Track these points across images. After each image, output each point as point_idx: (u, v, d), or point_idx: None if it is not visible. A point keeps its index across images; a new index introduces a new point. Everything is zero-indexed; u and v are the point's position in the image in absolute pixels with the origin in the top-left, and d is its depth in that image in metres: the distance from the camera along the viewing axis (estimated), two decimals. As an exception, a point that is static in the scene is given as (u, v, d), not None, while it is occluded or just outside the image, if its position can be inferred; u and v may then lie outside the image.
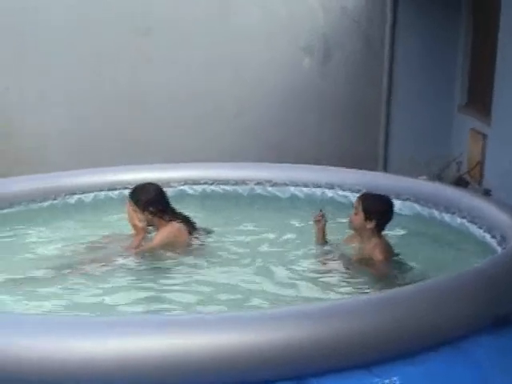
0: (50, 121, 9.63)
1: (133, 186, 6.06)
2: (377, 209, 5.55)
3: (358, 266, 5.52)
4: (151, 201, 5.85)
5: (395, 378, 3.54)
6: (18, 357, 3.42)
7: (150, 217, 5.85)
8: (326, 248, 5.92)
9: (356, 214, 5.57)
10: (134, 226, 5.88)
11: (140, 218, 5.83)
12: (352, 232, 5.83)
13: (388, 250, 5.58)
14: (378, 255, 5.45)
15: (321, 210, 5.99)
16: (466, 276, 4.28)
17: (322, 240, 5.96)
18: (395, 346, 3.70)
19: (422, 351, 3.70)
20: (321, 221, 5.93)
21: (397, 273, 5.43)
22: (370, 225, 5.52)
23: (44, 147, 9.57)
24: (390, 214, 5.64)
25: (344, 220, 5.98)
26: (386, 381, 3.55)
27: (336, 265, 5.59)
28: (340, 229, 6.10)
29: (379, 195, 5.71)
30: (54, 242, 6.24)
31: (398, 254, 5.67)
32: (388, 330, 3.70)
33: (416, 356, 3.67)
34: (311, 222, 6.06)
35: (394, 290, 4.21)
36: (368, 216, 5.51)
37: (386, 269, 5.45)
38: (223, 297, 4.95)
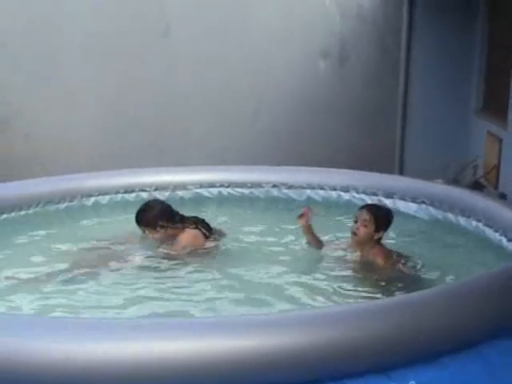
0: (68, 123, 9.65)
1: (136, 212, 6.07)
2: (386, 219, 5.58)
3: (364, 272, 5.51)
4: (157, 216, 5.92)
5: (412, 382, 3.54)
6: (31, 359, 3.44)
7: (163, 231, 5.93)
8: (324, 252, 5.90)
9: (366, 226, 5.51)
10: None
11: (155, 237, 5.94)
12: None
13: (389, 255, 5.55)
14: (380, 261, 5.45)
15: (309, 207, 5.95)
16: (484, 279, 4.28)
17: (314, 240, 5.91)
18: (412, 350, 3.70)
19: (440, 355, 3.70)
20: (304, 217, 5.83)
21: (401, 276, 5.40)
22: (378, 235, 5.53)
23: (63, 149, 9.60)
24: (391, 223, 5.65)
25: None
26: (403, 384, 3.55)
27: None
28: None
29: (382, 205, 5.82)
30: (71, 243, 6.24)
31: (408, 257, 5.67)
32: (405, 333, 3.70)
33: (433, 360, 3.67)
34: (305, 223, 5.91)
35: (411, 293, 4.20)
36: (378, 227, 5.50)
37: (390, 273, 5.42)
38: (238, 299, 4.96)
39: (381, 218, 5.54)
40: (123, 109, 9.68)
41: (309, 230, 5.89)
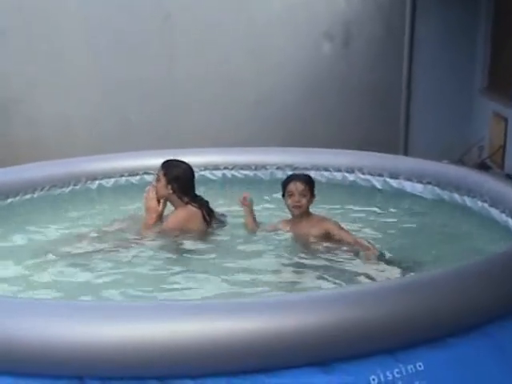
0: (73, 107, 9.65)
1: (168, 159, 6.08)
2: (313, 184, 5.74)
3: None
4: (179, 178, 5.87)
5: (420, 364, 3.53)
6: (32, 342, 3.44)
7: (170, 192, 5.87)
8: (260, 233, 5.94)
9: (305, 195, 5.65)
10: (148, 206, 5.92)
11: (159, 189, 5.88)
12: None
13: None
14: (332, 228, 5.58)
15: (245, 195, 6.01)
16: (492, 260, 4.26)
17: (253, 224, 5.98)
18: (420, 332, 3.68)
19: (447, 337, 3.69)
20: (247, 203, 5.98)
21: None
22: (312, 202, 5.70)
23: (67, 133, 9.60)
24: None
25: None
26: (410, 366, 3.53)
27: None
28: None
29: (302, 173, 6.03)
30: (74, 226, 6.27)
31: None
32: (412, 315, 3.68)
33: (441, 342, 3.65)
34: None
35: (418, 274, 4.19)
36: (312, 194, 5.68)
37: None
38: (232, 284, 4.91)
39: (312, 184, 5.72)
40: (125, 94, 9.68)
41: (250, 213, 6.01)
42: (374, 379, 3.46)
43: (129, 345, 3.40)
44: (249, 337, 3.43)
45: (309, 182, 5.69)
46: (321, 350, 3.51)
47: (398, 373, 3.49)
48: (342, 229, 5.60)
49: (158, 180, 5.92)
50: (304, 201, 5.64)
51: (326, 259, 5.31)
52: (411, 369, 3.52)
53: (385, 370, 3.49)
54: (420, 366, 3.53)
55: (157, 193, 5.92)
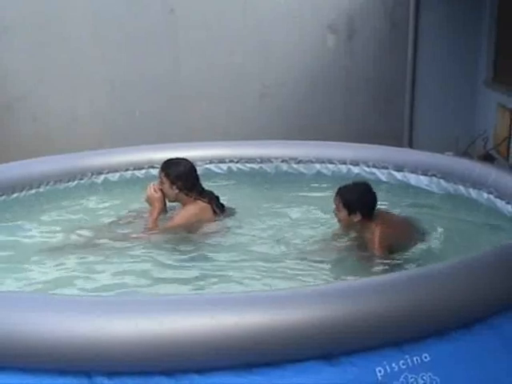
0: (78, 102, 9.67)
1: (166, 159, 6.07)
2: (356, 199, 5.39)
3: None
4: (181, 175, 5.87)
5: (426, 355, 3.54)
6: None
7: (177, 191, 5.88)
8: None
9: (339, 211, 5.45)
10: (149, 199, 5.93)
11: (166, 192, 5.87)
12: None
13: (387, 236, 5.34)
14: (375, 246, 5.28)
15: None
16: (498, 252, 4.25)
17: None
18: (426, 323, 3.69)
19: (453, 329, 3.69)
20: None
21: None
22: (357, 218, 5.38)
23: (73, 128, 9.62)
24: (371, 199, 5.46)
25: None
26: (416, 357, 3.54)
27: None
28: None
29: (354, 184, 5.55)
30: (79, 221, 6.29)
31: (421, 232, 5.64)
32: (418, 307, 3.69)
33: (447, 334, 3.65)
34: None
35: (424, 267, 4.19)
36: (351, 210, 5.38)
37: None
38: (243, 278, 4.93)
39: (350, 201, 5.39)
40: (131, 89, 9.69)
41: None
42: (380, 371, 3.46)
43: (136, 340, 3.41)
44: (255, 330, 3.44)
45: (345, 199, 5.39)
46: (327, 343, 3.52)
47: (403, 364, 3.50)
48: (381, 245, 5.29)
49: (161, 183, 5.91)
50: (338, 215, 5.49)
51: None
52: (417, 360, 3.53)
53: (391, 361, 3.50)
54: (426, 358, 3.54)
55: (166, 197, 5.93)
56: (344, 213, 5.41)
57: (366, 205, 5.41)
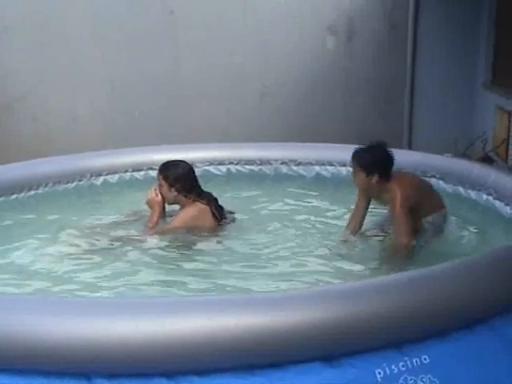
0: (78, 103, 9.67)
1: (164, 162, 6.06)
2: (375, 161, 5.37)
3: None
4: (180, 177, 5.86)
5: (425, 356, 3.54)
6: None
7: (175, 194, 5.87)
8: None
9: (357, 175, 5.44)
10: (150, 202, 5.92)
11: (164, 194, 5.87)
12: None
13: (408, 196, 5.31)
14: (396, 206, 5.25)
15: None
16: (498, 253, 4.26)
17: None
18: (425, 325, 3.69)
19: (453, 330, 3.69)
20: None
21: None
22: (375, 179, 5.36)
23: (72, 129, 9.63)
24: (387, 158, 5.45)
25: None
26: (416, 359, 3.54)
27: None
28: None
29: (369, 146, 5.52)
30: (79, 222, 6.29)
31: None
32: (418, 308, 3.69)
33: (446, 335, 3.65)
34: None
35: (424, 268, 4.18)
36: (369, 171, 5.35)
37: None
38: (242, 280, 4.94)
39: (366, 162, 5.37)
40: (130, 90, 9.69)
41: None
42: (379, 372, 3.46)
43: (136, 341, 3.41)
44: (255, 332, 3.44)
45: (360, 162, 5.39)
46: (327, 345, 3.52)
47: (403, 366, 3.50)
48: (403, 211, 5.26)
49: (160, 186, 5.91)
50: (356, 180, 5.47)
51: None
52: (416, 362, 3.53)
53: (390, 363, 3.50)
54: (425, 359, 3.54)
55: (165, 199, 5.93)
56: (362, 175, 5.40)
57: (382, 165, 5.40)
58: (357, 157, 5.46)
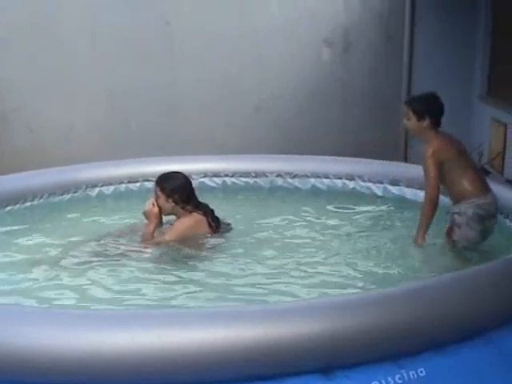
0: (74, 114, 9.66)
1: (161, 173, 6.07)
2: (424, 105, 5.62)
3: None
4: (177, 189, 5.88)
5: (421, 369, 3.52)
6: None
7: (172, 205, 5.88)
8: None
9: (408, 119, 5.67)
10: (146, 214, 5.91)
11: (162, 206, 5.87)
12: None
13: (442, 150, 5.57)
14: (427, 152, 5.53)
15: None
16: (495, 266, 4.25)
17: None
18: (422, 338, 3.68)
19: (450, 343, 3.68)
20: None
21: None
22: (426, 123, 5.58)
23: (68, 140, 9.61)
24: (439, 105, 5.69)
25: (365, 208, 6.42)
26: (412, 372, 3.53)
27: None
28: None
29: (421, 94, 5.83)
30: (73, 234, 6.23)
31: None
32: (414, 321, 3.68)
33: (443, 348, 3.64)
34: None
35: (421, 281, 4.18)
36: (419, 116, 5.58)
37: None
38: (239, 291, 4.93)
39: (417, 106, 5.61)
40: (127, 101, 9.68)
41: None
42: (375, 385, 3.46)
43: (132, 353, 3.40)
44: (251, 344, 3.43)
45: (411, 106, 5.66)
46: (323, 357, 3.51)
47: (399, 378, 3.49)
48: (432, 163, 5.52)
49: (157, 197, 5.92)
50: (408, 124, 5.72)
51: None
52: (413, 375, 3.52)
53: (386, 375, 3.50)
54: (422, 372, 3.53)
55: (162, 210, 5.92)
56: (413, 119, 5.62)
57: (434, 110, 5.64)
58: (410, 101, 5.78)
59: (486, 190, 5.61)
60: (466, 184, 5.54)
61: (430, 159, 5.49)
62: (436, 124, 5.62)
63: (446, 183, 5.61)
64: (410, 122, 5.65)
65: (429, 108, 5.61)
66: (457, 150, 5.66)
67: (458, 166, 5.57)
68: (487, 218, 5.54)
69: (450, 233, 5.61)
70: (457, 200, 5.60)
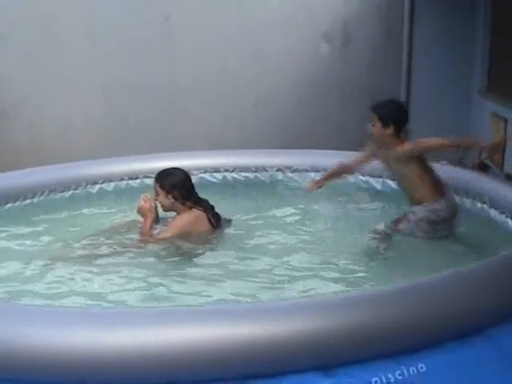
0: (73, 110, 9.66)
1: (160, 170, 6.07)
2: (390, 113, 5.80)
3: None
4: (176, 185, 5.88)
5: (422, 365, 3.54)
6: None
7: (172, 201, 5.88)
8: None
9: (373, 125, 5.80)
10: (140, 210, 5.93)
11: (162, 202, 5.88)
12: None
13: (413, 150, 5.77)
14: (404, 147, 5.75)
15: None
16: (493, 263, 4.26)
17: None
18: (422, 334, 3.69)
19: (449, 340, 3.69)
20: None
21: None
22: (390, 130, 5.75)
23: (67, 136, 9.61)
24: (403, 114, 5.96)
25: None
26: (412, 368, 3.54)
27: None
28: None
29: (388, 100, 6.04)
30: (74, 231, 6.27)
31: None
32: (414, 318, 3.69)
33: (443, 345, 3.66)
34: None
35: (420, 278, 4.19)
36: (385, 123, 5.75)
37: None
38: (239, 288, 4.94)
39: (383, 113, 5.78)
40: (126, 97, 9.67)
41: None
42: (376, 381, 3.47)
43: (132, 351, 3.42)
44: (251, 342, 3.44)
45: (378, 112, 5.81)
46: (323, 354, 3.52)
47: (399, 375, 3.51)
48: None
49: (157, 194, 5.92)
50: (373, 129, 5.84)
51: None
52: (413, 370, 3.53)
53: (386, 372, 3.50)
54: (422, 368, 3.54)
55: (162, 206, 5.94)
56: (378, 125, 5.78)
57: (398, 117, 5.86)
58: (377, 108, 5.88)
59: (443, 194, 5.83)
60: (424, 189, 5.79)
61: (413, 147, 5.75)
62: (399, 131, 5.82)
63: (406, 185, 5.89)
64: (375, 128, 5.81)
65: (394, 115, 5.82)
66: (420, 154, 5.86)
67: (419, 170, 5.79)
68: (440, 223, 5.79)
69: (398, 222, 5.85)
70: (415, 202, 5.84)
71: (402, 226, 5.80)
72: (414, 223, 5.75)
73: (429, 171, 5.84)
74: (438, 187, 5.84)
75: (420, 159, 5.81)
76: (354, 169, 6.60)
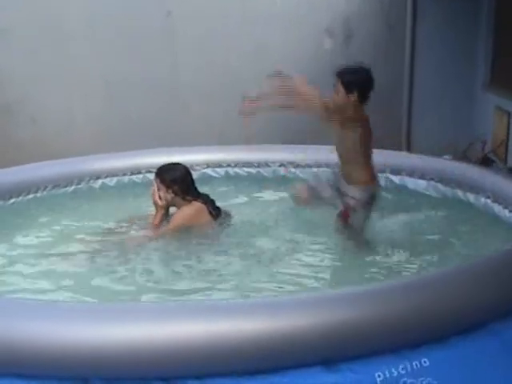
0: (76, 105, 9.65)
1: (160, 165, 6.09)
2: (355, 79, 5.54)
3: None
4: (176, 180, 5.91)
5: (425, 360, 3.54)
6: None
7: (172, 196, 5.90)
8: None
9: (337, 91, 5.58)
10: (155, 203, 5.94)
11: (162, 197, 5.88)
12: None
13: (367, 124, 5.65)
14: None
15: None
16: (496, 258, 4.25)
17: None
18: (425, 329, 3.69)
19: (454, 334, 3.69)
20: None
21: None
22: (353, 97, 5.50)
23: (70, 131, 9.61)
24: (369, 81, 5.60)
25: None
26: (415, 362, 3.54)
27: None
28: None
29: (354, 67, 5.69)
30: (78, 226, 6.27)
31: None
32: (418, 313, 3.69)
33: (446, 339, 3.66)
34: None
35: (423, 273, 4.19)
36: (348, 89, 5.51)
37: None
38: (239, 282, 4.95)
39: (347, 79, 5.54)
40: (128, 92, 9.66)
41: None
42: (379, 376, 3.46)
43: (134, 345, 3.42)
44: (253, 336, 3.44)
45: (342, 77, 5.59)
46: (326, 349, 3.52)
47: (403, 369, 3.50)
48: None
49: (158, 189, 5.94)
50: (335, 97, 5.59)
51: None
52: (416, 365, 3.53)
53: (390, 366, 3.50)
54: (425, 362, 3.54)
55: (163, 201, 5.94)
56: (342, 92, 5.53)
57: (360, 86, 5.54)
58: (342, 74, 5.61)
59: (376, 177, 5.74)
60: (367, 169, 5.64)
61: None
62: (364, 99, 5.56)
63: (350, 162, 5.70)
64: (338, 93, 5.57)
65: (358, 80, 5.55)
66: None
67: (368, 151, 5.66)
68: (373, 201, 5.70)
69: (346, 218, 5.66)
70: (352, 181, 5.66)
71: (352, 218, 5.64)
72: (360, 209, 5.61)
73: (371, 153, 5.71)
74: (374, 170, 5.73)
75: (366, 133, 5.66)
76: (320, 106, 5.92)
